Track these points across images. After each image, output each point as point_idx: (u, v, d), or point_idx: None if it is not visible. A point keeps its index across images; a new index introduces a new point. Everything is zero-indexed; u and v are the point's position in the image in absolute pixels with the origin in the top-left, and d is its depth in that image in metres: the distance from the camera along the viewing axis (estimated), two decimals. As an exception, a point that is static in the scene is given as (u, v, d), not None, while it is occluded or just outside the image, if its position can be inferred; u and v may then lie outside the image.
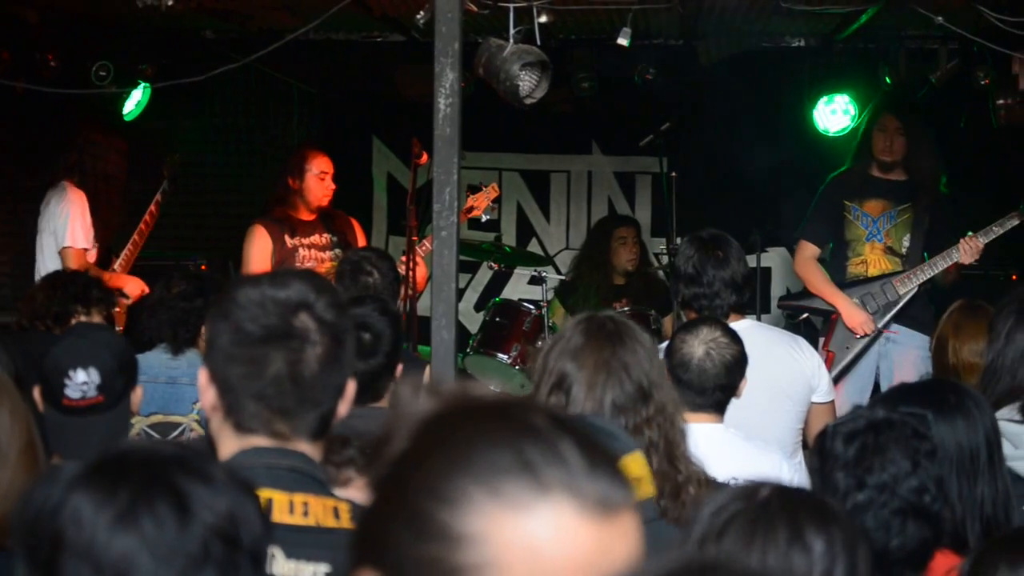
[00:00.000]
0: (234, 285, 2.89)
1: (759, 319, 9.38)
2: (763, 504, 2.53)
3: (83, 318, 6.26)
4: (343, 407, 2.87)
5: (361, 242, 8.76)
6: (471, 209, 8.82)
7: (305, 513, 2.74)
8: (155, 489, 1.90)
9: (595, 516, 1.54)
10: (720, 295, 5.97)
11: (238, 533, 1.93)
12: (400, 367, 4.90)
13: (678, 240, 9.30)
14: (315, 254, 8.39)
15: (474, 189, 9.01)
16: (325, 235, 8.59)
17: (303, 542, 2.72)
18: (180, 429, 5.83)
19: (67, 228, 8.63)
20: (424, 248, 8.15)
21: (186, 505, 1.89)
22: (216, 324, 2.84)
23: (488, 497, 1.53)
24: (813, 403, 5.94)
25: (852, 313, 8.21)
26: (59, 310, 6.28)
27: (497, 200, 9.26)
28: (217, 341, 2.83)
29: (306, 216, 8.61)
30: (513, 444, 1.55)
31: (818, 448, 3.38)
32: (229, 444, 2.85)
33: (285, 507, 2.74)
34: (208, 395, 2.84)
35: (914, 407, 3.67)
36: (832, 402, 6.09)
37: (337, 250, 8.40)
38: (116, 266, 8.92)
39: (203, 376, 2.84)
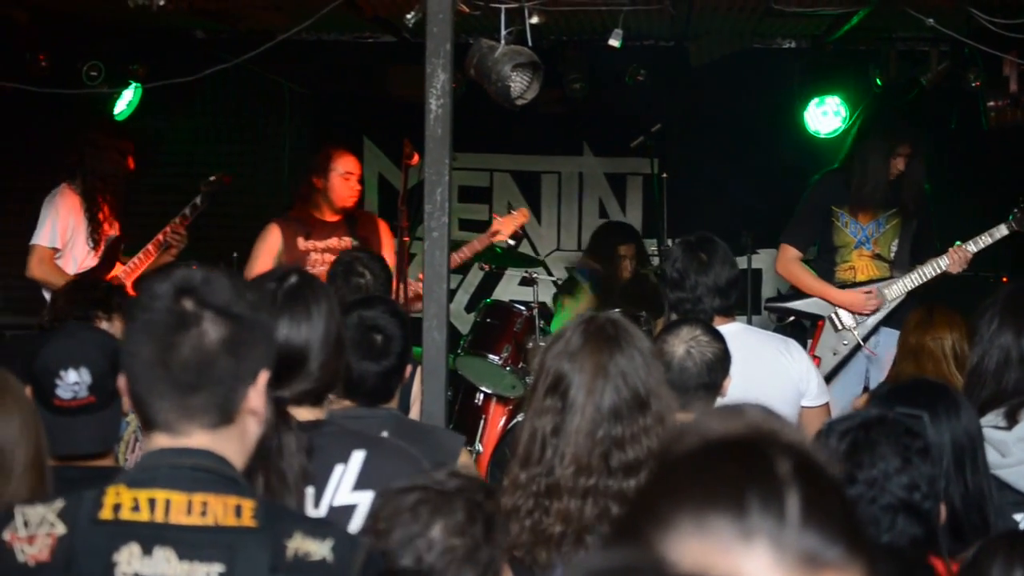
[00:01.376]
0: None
1: (750, 321, 9.39)
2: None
3: (104, 324, 6.26)
4: (256, 399, 2.84)
5: (386, 245, 8.68)
6: (496, 233, 8.74)
7: (203, 513, 2.73)
8: None
9: (794, 571, 1.52)
10: (703, 300, 5.99)
11: None
12: (409, 368, 4.91)
13: (669, 242, 9.31)
14: (328, 258, 8.20)
15: (503, 212, 8.96)
16: (345, 238, 8.55)
17: (198, 542, 2.71)
18: None
19: (39, 226, 8.66)
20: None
21: None
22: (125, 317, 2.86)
23: (695, 528, 1.54)
24: (803, 407, 5.93)
25: (849, 298, 8.23)
26: (80, 315, 6.28)
27: (523, 227, 9.10)
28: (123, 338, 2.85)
29: (330, 217, 8.59)
30: (739, 484, 1.56)
31: (815, 445, 3.39)
32: (144, 444, 2.87)
33: (183, 507, 2.73)
34: (125, 396, 2.87)
35: (909, 407, 3.68)
36: (826, 404, 6.07)
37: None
38: (121, 272, 8.89)
39: (120, 376, 2.86)
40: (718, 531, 1.53)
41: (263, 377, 2.86)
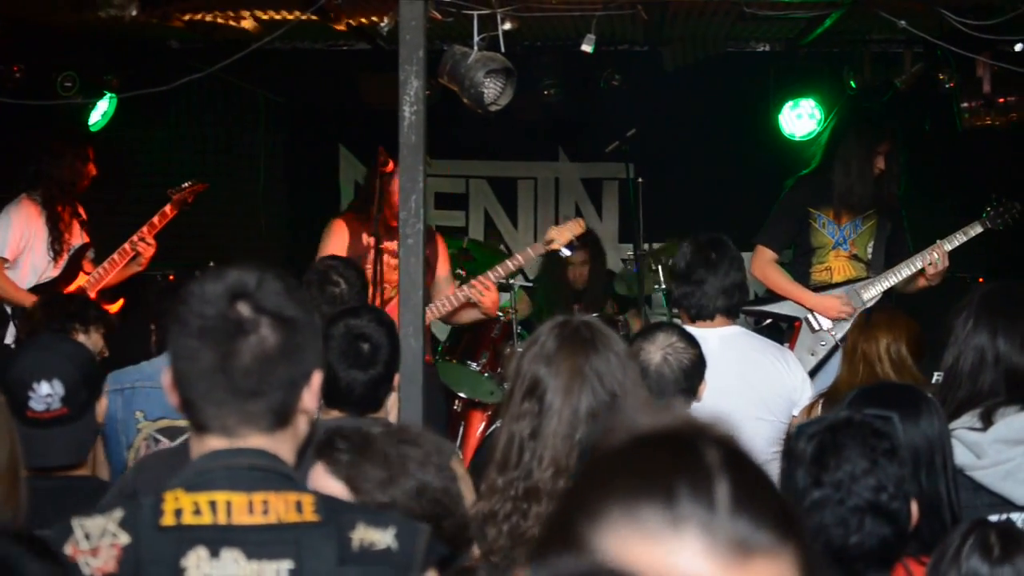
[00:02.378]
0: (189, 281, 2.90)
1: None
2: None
3: (81, 336, 6.25)
4: (309, 399, 2.85)
5: (441, 260, 8.54)
6: (551, 241, 8.60)
7: (265, 511, 2.74)
8: None
9: (726, 558, 1.52)
10: (708, 299, 5.98)
11: None
12: (398, 376, 4.91)
13: (646, 246, 9.33)
14: (388, 260, 8.09)
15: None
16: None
17: (264, 541, 2.72)
18: (187, 434, 5.82)
19: None
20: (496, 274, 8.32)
21: None
22: (170, 322, 2.84)
23: (625, 520, 1.54)
24: (795, 419, 5.92)
25: (823, 303, 8.23)
26: (58, 327, 6.27)
27: (581, 237, 8.86)
28: (169, 338, 2.83)
29: (393, 221, 8.47)
30: (668, 473, 1.56)
31: (784, 448, 3.41)
32: (195, 447, 2.86)
33: (244, 508, 2.73)
34: (172, 397, 2.85)
35: (879, 408, 3.69)
36: None
37: None
38: (85, 282, 8.85)
39: (166, 376, 2.84)
40: (648, 521, 1.53)
41: (316, 378, 2.87)
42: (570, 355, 3.74)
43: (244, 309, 2.77)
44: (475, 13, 6.97)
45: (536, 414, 3.70)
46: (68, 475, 4.19)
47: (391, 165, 7.83)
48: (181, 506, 2.73)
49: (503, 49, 7.11)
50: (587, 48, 7.62)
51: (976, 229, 8.21)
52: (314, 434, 3.05)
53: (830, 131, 8.72)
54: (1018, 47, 8.07)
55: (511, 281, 9.50)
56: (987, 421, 4.57)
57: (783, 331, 8.49)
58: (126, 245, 8.87)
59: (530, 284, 10.49)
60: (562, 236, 8.52)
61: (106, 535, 2.73)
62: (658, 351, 4.87)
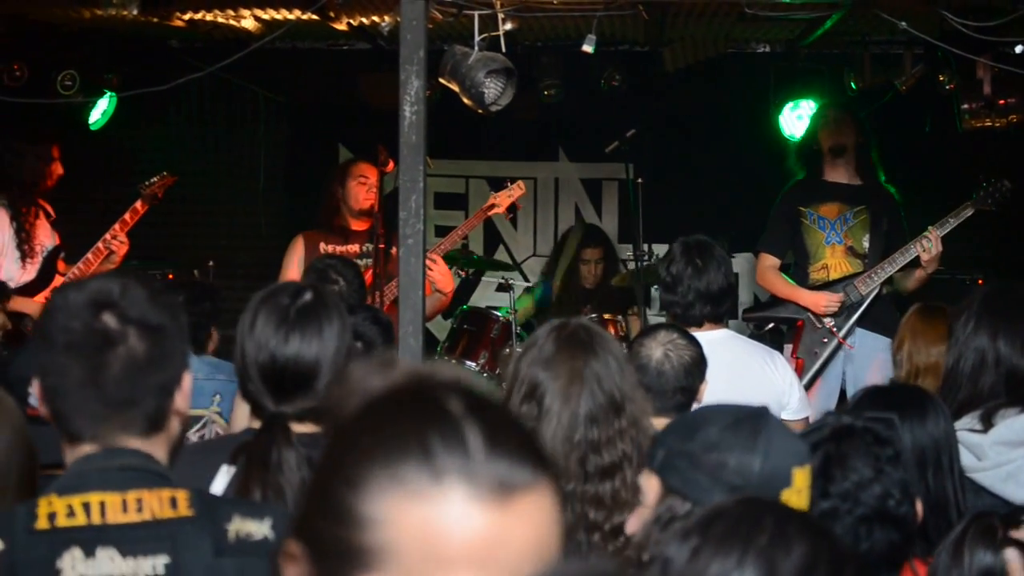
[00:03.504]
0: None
1: (726, 325, 9.39)
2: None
3: None
4: (181, 401, 2.86)
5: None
6: (492, 207, 8.75)
7: (139, 509, 2.74)
8: None
9: (490, 501, 1.57)
10: (694, 305, 5.99)
11: None
12: None
13: (645, 247, 9.32)
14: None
15: (497, 186, 8.97)
16: (367, 245, 8.43)
17: (139, 538, 2.71)
18: (202, 422, 5.82)
19: None
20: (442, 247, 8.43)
21: None
22: (36, 333, 2.83)
23: (389, 482, 1.57)
24: (783, 420, 5.90)
25: (813, 298, 8.24)
26: None
27: (522, 198, 9.12)
28: (38, 351, 2.82)
29: (356, 225, 8.53)
30: (418, 429, 1.59)
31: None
32: (68, 454, 2.85)
33: (118, 507, 2.73)
34: (43, 408, 2.84)
35: (880, 411, 3.68)
36: (806, 419, 6.02)
37: (367, 260, 8.20)
38: (61, 283, 8.76)
39: (35, 388, 2.84)
40: (410, 479, 1.56)
41: (187, 380, 2.87)
42: (569, 358, 3.74)
43: (110, 320, 2.75)
44: (476, 13, 6.97)
45: (535, 417, 3.69)
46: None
47: (391, 164, 7.85)
48: (55, 509, 2.72)
49: (504, 49, 7.11)
50: (588, 48, 7.62)
51: (967, 211, 8.17)
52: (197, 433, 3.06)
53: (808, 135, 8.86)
54: (1018, 49, 8.05)
55: (511, 282, 9.51)
56: (987, 423, 4.57)
57: (784, 333, 8.49)
58: (99, 244, 8.75)
59: (529, 284, 10.49)
60: (502, 200, 8.64)
61: None
62: (659, 347, 4.86)
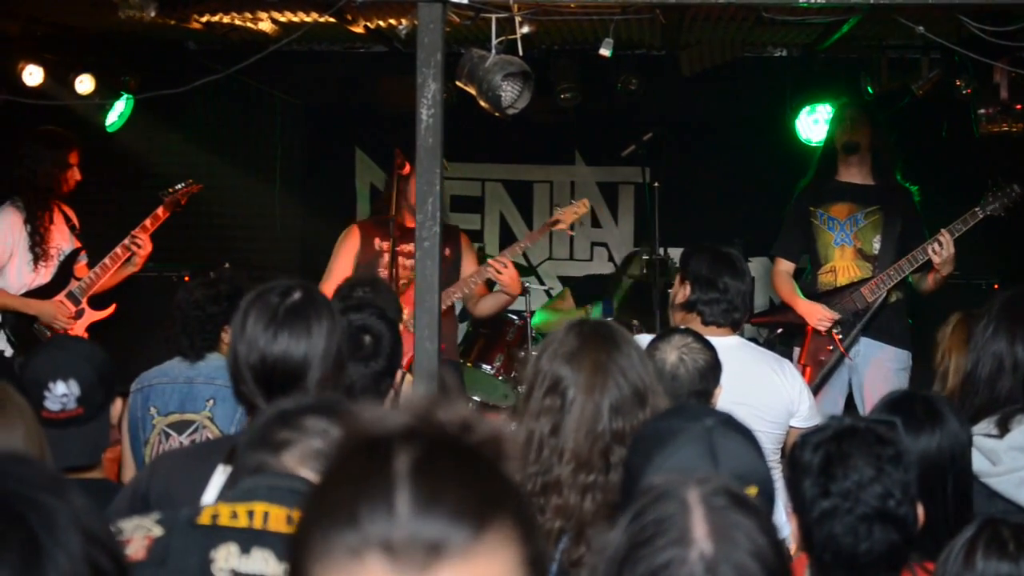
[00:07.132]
0: None
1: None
2: None
3: None
4: None
5: (467, 260, 8.64)
6: (556, 222, 8.77)
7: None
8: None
9: (409, 568, 1.46)
10: (734, 302, 5.95)
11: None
12: (400, 372, 4.91)
13: (661, 251, 9.31)
14: (403, 262, 8.20)
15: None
16: None
17: None
18: (193, 427, 5.83)
19: None
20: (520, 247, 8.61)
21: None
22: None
23: (322, 551, 1.50)
24: (792, 427, 5.90)
25: (809, 310, 8.24)
26: None
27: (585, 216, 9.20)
28: None
29: (411, 223, 8.49)
30: (352, 494, 1.50)
31: (789, 458, 3.41)
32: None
33: (283, 519, 2.80)
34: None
35: (884, 414, 3.69)
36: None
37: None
38: (76, 288, 8.77)
39: None
40: (336, 550, 1.49)
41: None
42: (593, 351, 3.77)
43: None
44: (493, 16, 6.96)
45: (558, 410, 3.71)
46: (81, 477, 4.16)
47: (407, 167, 7.85)
48: (218, 512, 2.82)
49: (521, 52, 7.10)
50: (605, 52, 7.61)
51: (976, 216, 8.17)
52: None
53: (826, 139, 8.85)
54: (1035, 54, 8.04)
55: (527, 285, 9.51)
56: (1004, 428, 4.56)
57: (794, 337, 8.49)
58: (118, 249, 8.79)
59: (544, 288, 10.48)
60: (567, 217, 8.64)
61: (140, 529, 2.81)
62: (673, 351, 4.86)
